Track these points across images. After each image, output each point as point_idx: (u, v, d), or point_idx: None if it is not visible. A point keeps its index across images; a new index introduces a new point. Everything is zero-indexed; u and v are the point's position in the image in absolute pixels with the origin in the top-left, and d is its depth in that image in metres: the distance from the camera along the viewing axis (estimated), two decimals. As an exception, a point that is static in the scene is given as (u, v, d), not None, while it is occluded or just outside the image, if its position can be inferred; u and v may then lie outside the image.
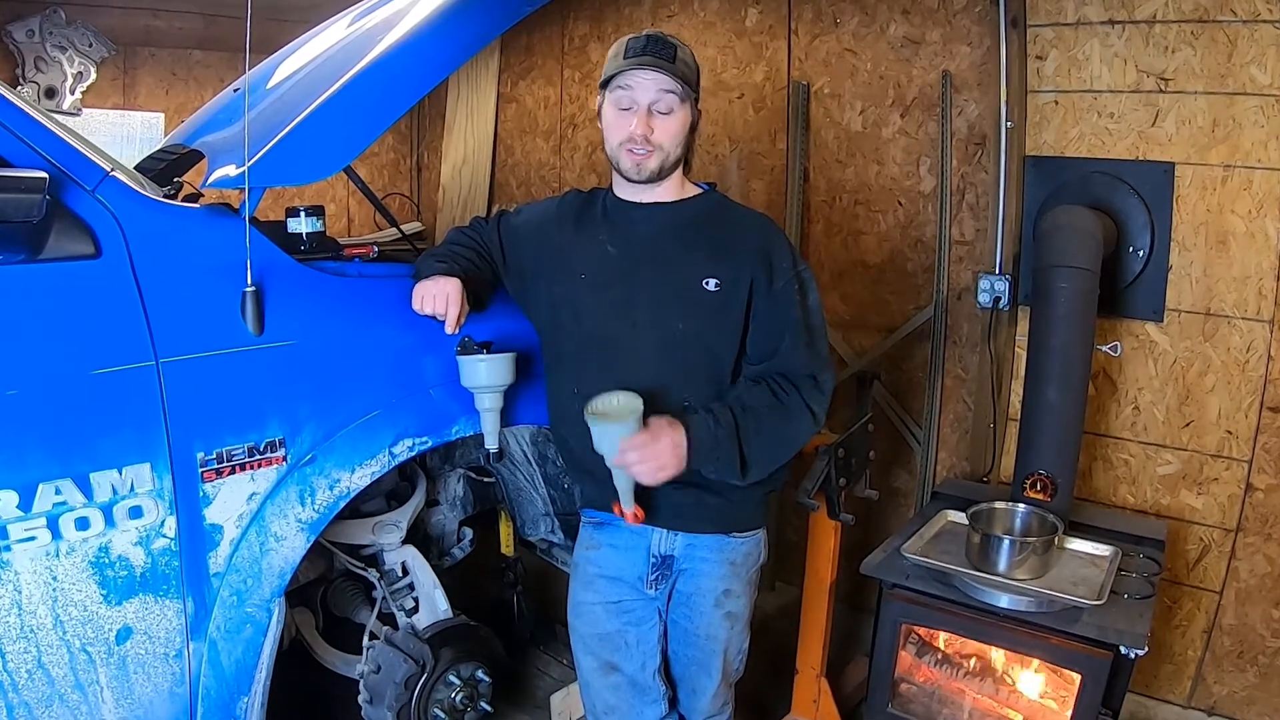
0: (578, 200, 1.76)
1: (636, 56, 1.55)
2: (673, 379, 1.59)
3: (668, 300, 1.61)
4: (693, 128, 1.64)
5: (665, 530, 1.69)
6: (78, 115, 3.43)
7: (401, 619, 2.09)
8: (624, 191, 1.69)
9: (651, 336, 1.61)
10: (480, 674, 2.08)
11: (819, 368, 1.63)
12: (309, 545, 1.62)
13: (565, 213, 1.74)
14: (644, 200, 1.67)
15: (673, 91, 1.57)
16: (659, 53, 1.55)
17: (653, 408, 1.53)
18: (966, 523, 2.06)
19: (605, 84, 1.61)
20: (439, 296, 1.60)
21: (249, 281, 1.49)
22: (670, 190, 1.67)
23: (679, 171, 1.67)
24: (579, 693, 1.86)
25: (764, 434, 1.57)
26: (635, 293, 1.62)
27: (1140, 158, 2.35)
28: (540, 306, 1.75)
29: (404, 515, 2.11)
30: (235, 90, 2.24)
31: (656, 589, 1.72)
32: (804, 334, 1.62)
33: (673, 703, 1.81)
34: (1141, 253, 2.36)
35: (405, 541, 2.12)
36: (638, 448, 1.48)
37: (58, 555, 1.35)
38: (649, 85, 1.56)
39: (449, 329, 1.61)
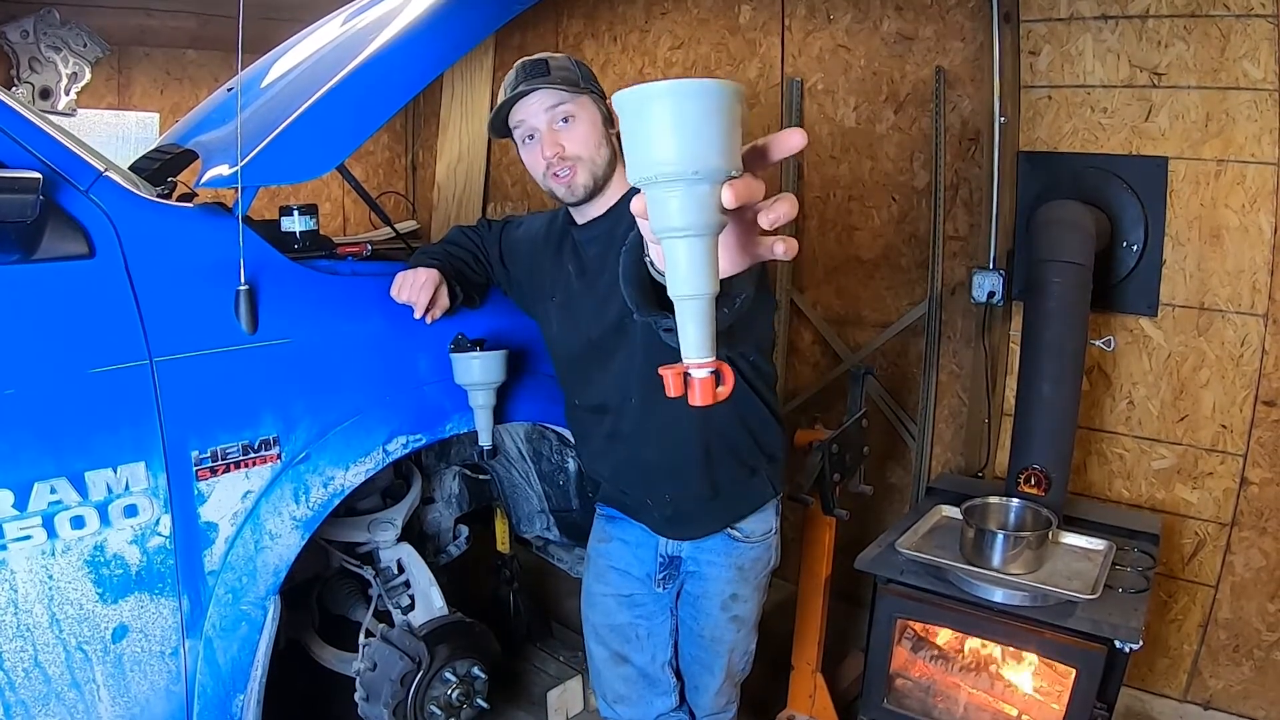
0: (562, 220, 1.73)
1: (514, 89, 1.54)
2: (651, 382, 1.59)
3: (624, 309, 1.59)
4: (609, 122, 1.59)
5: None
6: (73, 115, 3.42)
7: (397, 616, 2.09)
8: (576, 213, 1.66)
9: (618, 346, 1.59)
10: (476, 671, 2.08)
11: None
12: (304, 543, 1.63)
13: (551, 233, 1.74)
14: (591, 217, 1.64)
15: (561, 101, 1.53)
16: (532, 74, 1.53)
17: (647, 407, 1.52)
18: (961, 518, 2.06)
19: (507, 133, 1.60)
20: (414, 286, 1.65)
21: (242, 280, 1.49)
22: (614, 199, 1.62)
23: (621, 174, 1.60)
24: (576, 689, 1.87)
25: None
26: (592, 309, 1.61)
27: (1133, 152, 2.35)
28: (537, 319, 1.79)
29: (399, 513, 2.11)
30: (229, 90, 2.23)
31: (664, 588, 1.73)
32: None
33: (684, 695, 1.82)
34: (1135, 247, 2.36)
35: (401, 539, 2.12)
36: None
37: (53, 554, 1.36)
38: (534, 108, 1.54)
39: (417, 314, 1.66)
